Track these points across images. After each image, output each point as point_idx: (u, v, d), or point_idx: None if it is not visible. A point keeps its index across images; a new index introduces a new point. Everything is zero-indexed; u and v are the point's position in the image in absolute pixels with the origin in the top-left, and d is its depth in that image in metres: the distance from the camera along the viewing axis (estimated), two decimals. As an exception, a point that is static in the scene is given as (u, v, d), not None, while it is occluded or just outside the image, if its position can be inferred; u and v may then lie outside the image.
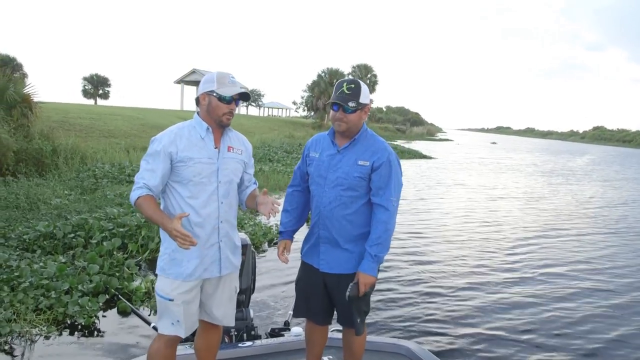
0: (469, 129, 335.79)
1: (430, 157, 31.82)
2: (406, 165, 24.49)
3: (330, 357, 3.13)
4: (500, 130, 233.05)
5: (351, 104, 2.47)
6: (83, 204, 8.79)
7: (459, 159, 33.25)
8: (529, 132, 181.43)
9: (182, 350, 2.92)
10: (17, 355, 4.12)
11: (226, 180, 2.45)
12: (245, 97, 2.44)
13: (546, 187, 19.86)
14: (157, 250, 6.34)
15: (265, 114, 69.57)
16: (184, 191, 2.38)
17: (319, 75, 46.44)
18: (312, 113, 47.94)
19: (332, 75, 44.90)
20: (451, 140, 74.81)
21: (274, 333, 3.75)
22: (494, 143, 73.92)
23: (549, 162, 35.97)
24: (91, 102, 53.32)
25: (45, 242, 6.59)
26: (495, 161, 33.75)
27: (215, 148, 2.44)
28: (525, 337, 5.12)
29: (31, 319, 4.53)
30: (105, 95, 57.05)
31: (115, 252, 6.39)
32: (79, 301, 4.91)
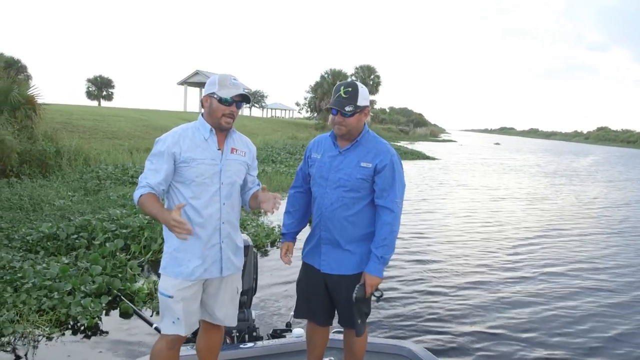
0: (473, 130, 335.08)
1: (433, 158, 31.77)
2: (409, 166, 24.47)
3: (332, 358, 3.13)
4: (503, 131, 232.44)
5: (348, 108, 2.47)
6: (86, 205, 8.82)
7: (462, 160, 33.19)
8: (533, 133, 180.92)
9: (184, 351, 2.92)
10: (20, 356, 4.13)
11: (229, 182, 2.47)
12: (246, 99, 2.45)
13: (549, 187, 19.81)
14: (159, 251, 6.37)
15: (269, 115, 69.63)
16: (187, 192, 2.40)
17: (322, 77, 46.40)
18: (315, 114, 47.92)
19: (335, 77, 44.85)
20: (454, 141, 74.67)
21: (276, 334, 3.76)
22: (497, 144, 73.76)
23: (552, 163, 35.86)
24: (95, 103, 53.50)
25: (48, 243, 6.62)
26: (499, 162, 33.67)
27: (218, 149, 2.46)
28: (526, 335, 5.13)
29: (34, 320, 4.54)
30: (109, 97, 57.21)
31: (118, 253, 6.42)
32: (82, 302, 4.93)
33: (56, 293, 5.02)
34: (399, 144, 41.57)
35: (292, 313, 2.94)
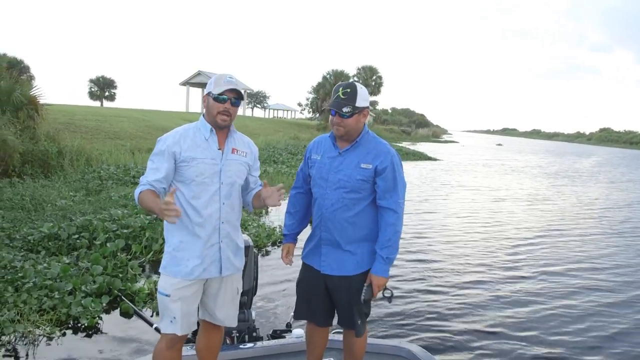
0: (475, 131, 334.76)
1: (435, 159, 31.73)
2: (411, 167, 24.47)
3: (332, 359, 3.13)
4: (506, 131, 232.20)
5: (345, 109, 2.47)
6: (88, 205, 8.83)
7: (463, 161, 33.14)
8: (535, 134, 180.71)
9: (184, 351, 2.93)
10: (20, 356, 4.14)
11: (229, 182, 2.48)
12: (238, 93, 2.45)
13: (551, 188, 19.78)
14: (160, 251, 6.38)
15: (271, 116, 69.69)
16: (187, 191, 2.42)
17: (324, 77, 46.43)
18: (317, 115, 47.94)
19: (337, 77, 44.86)
20: (456, 142, 74.59)
21: (276, 335, 3.76)
22: (499, 145, 73.67)
23: (554, 164, 35.80)
24: (97, 104, 53.60)
25: (49, 243, 6.63)
26: (500, 163, 33.61)
27: (219, 149, 2.47)
28: (525, 334, 5.14)
29: (34, 320, 4.55)
30: (112, 97, 57.32)
31: (119, 254, 6.42)
32: (82, 302, 4.93)
33: (57, 293, 5.03)
34: (401, 144, 41.55)
35: (292, 314, 2.95)
